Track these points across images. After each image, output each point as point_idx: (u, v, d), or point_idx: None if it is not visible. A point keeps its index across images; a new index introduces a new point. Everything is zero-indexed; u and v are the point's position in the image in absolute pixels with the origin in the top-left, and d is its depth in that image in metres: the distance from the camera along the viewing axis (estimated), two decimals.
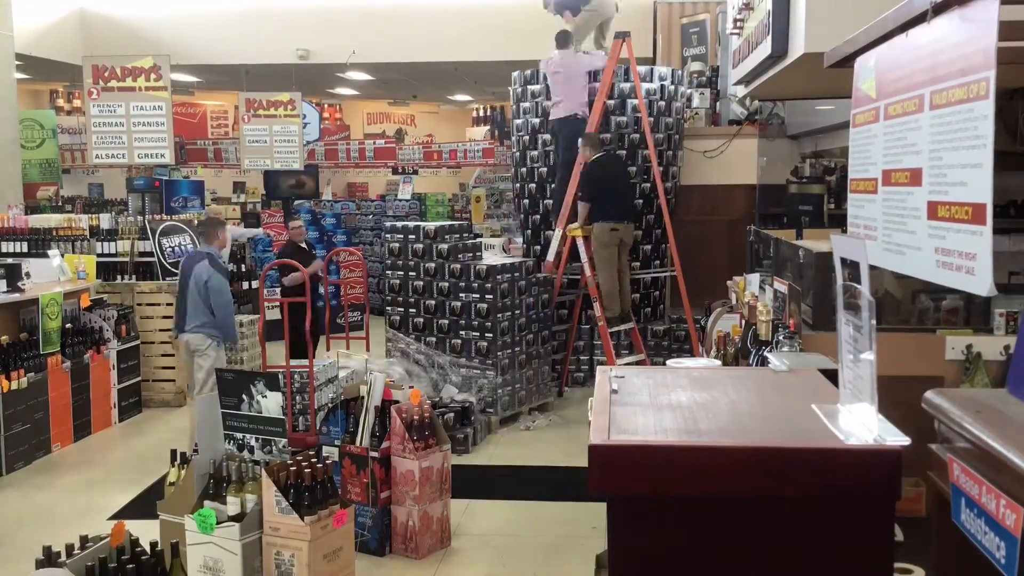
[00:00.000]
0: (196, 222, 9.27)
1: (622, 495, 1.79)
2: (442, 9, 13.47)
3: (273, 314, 11.05)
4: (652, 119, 8.79)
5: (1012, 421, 1.61)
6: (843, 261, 1.93)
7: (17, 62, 12.24)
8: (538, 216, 9.20)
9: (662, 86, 8.96)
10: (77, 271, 8.05)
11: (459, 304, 7.73)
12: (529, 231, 9.41)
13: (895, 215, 2.71)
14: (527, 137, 9.18)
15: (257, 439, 4.30)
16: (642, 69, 8.81)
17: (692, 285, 8.47)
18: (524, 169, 9.27)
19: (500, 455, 6.94)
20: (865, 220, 3.04)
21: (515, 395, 7.77)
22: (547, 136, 9.00)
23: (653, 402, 2.08)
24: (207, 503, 4.11)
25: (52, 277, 7.73)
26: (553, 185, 9.00)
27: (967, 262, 2.17)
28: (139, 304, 8.58)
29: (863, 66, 3.10)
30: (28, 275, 7.42)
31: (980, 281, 2.10)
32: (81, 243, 8.88)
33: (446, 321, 7.78)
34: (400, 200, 14.91)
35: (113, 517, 5.56)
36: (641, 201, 8.97)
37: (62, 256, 8.06)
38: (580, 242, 8.18)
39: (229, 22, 13.90)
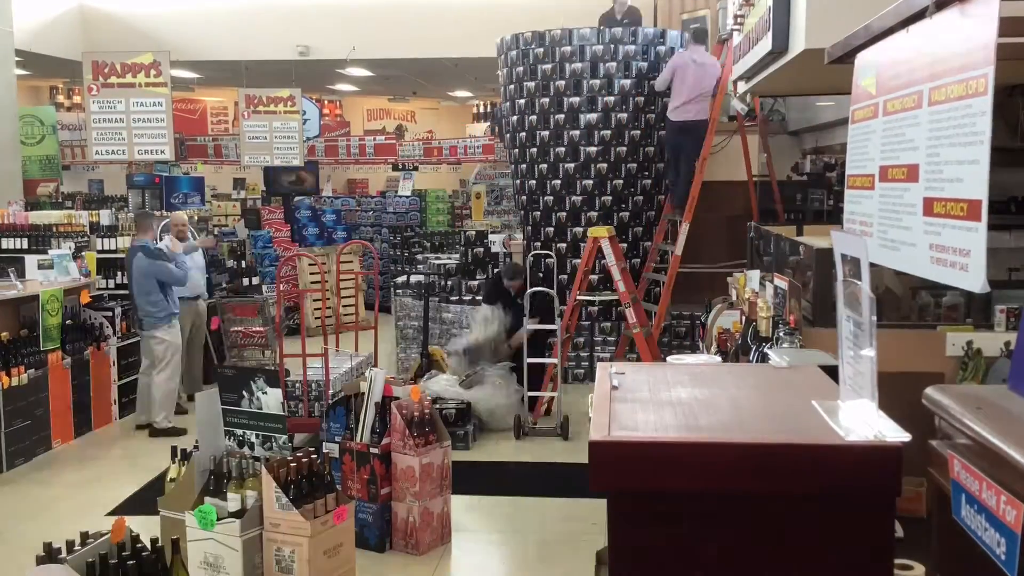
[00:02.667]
0: (197, 218, 9.26)
1: (622, 491, 1.79)
2: (442, 5, 13.47)
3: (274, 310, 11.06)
4: (656, 115, 8.79)
5: (1013, 417, 1.61)
6: (844, 257, 1.93)
7: (17, 58, 12.24)
8: (538, 212, 9.19)
9: None
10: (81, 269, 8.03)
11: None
12: (529, 227, 9.42)
13: (891, 211, 2.70)
14: (524, 134, 9.17)
15: (257, 435, 4.30)
16: (646, 66, 8.78)
17: (692, 281, 8.47)
18: (524, 166, 9.27)
19: (500, 451, 6.95)
20: (861, 216, 3.04)
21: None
22: (545, 133, 8.98)
23: (653, 398, 2.08)
24: (207, 499, 4.12)
25: (62, 275, 7.69)
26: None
27: (961, 258, 2.17)
28: None
29: (863, 62, 3.09)
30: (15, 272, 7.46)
31: (974, 277, 2.10)
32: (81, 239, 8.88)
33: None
34: (400, 196, 14.91)
35: (110, 514, 5.57)
36: (641, 198, 8.97)
37: (71, 255, 8.00)
38: (606, 244, 7.37)
39: (229, 18, 13.90)
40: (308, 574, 4.02)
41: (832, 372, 2.15)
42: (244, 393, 4.33)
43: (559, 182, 8.98)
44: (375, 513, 5.00)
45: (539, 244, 9.17)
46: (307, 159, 14.34)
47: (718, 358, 4.05)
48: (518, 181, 9.54)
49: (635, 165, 8.87)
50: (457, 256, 9.97)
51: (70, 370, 7.20)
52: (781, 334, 3.72)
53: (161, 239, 7.95)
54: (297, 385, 6.77)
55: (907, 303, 4.40)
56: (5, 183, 11.33)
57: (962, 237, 2.16)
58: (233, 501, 4.06)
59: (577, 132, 8.82)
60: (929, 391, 1.81)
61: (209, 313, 9.04)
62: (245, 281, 10.21)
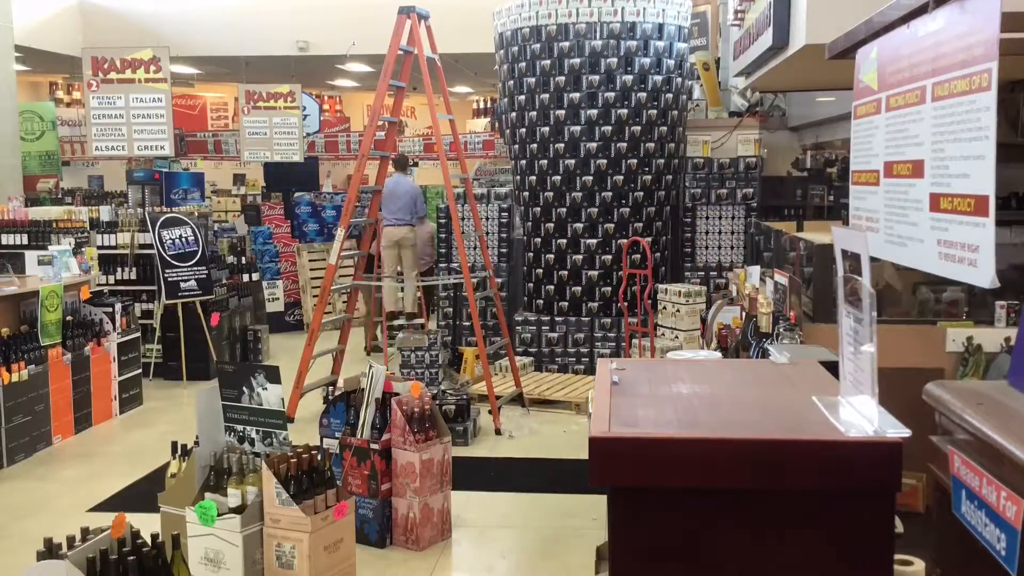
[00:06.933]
0: (196, 214, 9.26)
1: (623, 487, 1.79)
2: (442, 0, 13.44)
3: (274, 306, 11.06)
4: (657, 111, 8.78)
5: (1013, 413, 1.60)
6: (844, 253, 1.93)
7: (17, 54, 12.23)
8: (538, 208, 9.19)
9: (669, 78, 8.92)
10: (81, 264, 8.02)
11: None
12: (530, 223, 9.41)
13: (897, 207, 2.70)
14: (524, 130, 9.16)
15: (258, 431, 4.31)
16: (648, 61, 8.77)
17: None
18: (524, 162, 9.26)
19: (501, 447, 6.95)
20: (867, 212, 3.04)
21: None
22: (545, 129, 8.97)
23: (654, 394, 2.08)
24: (208, 495, 4.12)
25: (62, 271, 7.66)
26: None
27: (969, 254, 2.17)
28: None
29: (864, 57, 3.09)
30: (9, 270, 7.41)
31: (982, 273, 2.10)
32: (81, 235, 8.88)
33: None
34: None
35: (96, 508, 5.60)
36: (641, 194, 8.96)
37: (71, 251, 7.98)
38: None
39: (228, 13, 13.89)
40: (308, 570, 4.03)
41: (832, 368, 2.15)
42: (244, 389, 4.33)
43: (559, 178, 8.97)
44: (375, 509, 5.00)
45: (539, 240, 9.17)
46: (307, 155, 14.33)
47: (718, 354, 4.05)
48: (518, 177, 9.54)
49: (635, 161, 8.85)
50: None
51: (70, 366, 7.20)
52: (781, 330, 3.72)
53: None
54: None
55: (907, 299, 4.40)
56: (5, 179, 11.32)
57: (970, 233, 2.16)
58: (233, 497, 4.06)
59: (577, 128, 8.81)
60: (929, 387, 1.81)
61: (208, 310, 9.05)
62: (245, 277, 10.20)
